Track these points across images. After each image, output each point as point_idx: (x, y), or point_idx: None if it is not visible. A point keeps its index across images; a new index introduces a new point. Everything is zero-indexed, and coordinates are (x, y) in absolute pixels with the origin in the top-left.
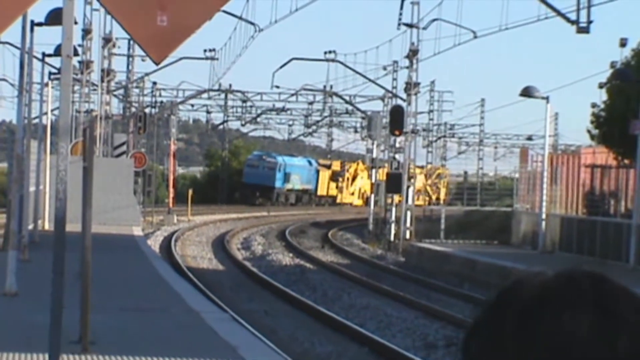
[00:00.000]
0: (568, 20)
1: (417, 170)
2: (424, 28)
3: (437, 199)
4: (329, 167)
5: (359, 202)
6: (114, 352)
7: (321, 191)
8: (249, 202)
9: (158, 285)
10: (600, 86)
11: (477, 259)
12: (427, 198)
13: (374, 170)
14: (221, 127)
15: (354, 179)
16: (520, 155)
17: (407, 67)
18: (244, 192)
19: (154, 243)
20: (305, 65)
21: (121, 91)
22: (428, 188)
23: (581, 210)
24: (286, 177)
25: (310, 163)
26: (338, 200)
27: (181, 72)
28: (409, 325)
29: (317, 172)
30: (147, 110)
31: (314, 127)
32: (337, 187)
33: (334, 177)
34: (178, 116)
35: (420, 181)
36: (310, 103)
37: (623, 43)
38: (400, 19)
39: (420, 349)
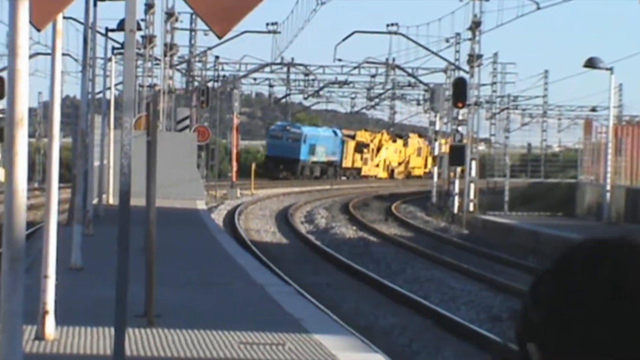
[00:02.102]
0: None
1: (443, 141)
2: (487, 0)
3: (462, 170)
4: (353, 137)
5: (383, 174)
6: (179, 325)
7: (346, 163)
8: (272, 175)
9: (222, 259)
10: None
11: (541, 231)
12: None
13: (437, 143)
14: (284, 100)
15: (378, 149)
16: (585, 127)
17: (470, 39)
18: (267, 165)
19: (218, 217)
20: (367, 38)
21: (184, 65)
22: None
23: None
24: (311, 149)
25: (335, 133)
26: (363, 173)
27: (243, 46)
28: (473, 298)
29: (343, 142)
30: (209, 84)
31: (377, 100)
32: (362, 158)
33: (359, 148)
34: (241, 90)
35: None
36: (373, 76)
37: None
38: None
39: (485, 321)
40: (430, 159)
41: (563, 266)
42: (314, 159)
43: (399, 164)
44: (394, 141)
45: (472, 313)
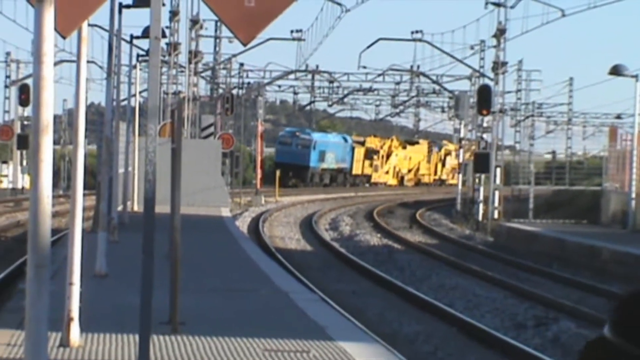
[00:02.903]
0: None
1: (452, 147)
2: (512, 7)
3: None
4: (363, 143)
5: (393, 181)
6: (203, 332)
7: (356, 170)
8: (281, 183)
9: (246, 266)
10: None
11: (566, 238)
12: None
13: (461, 150)
14: (308, 107)
15: (388, 156)
16: (609, 134)
17: (495, 47)
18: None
19: (242, 224)
20: (392, 46)
21: (208, 73)
22: None
23: None
24: (321, 156)
25: (345, 140)
26: (373, 180)
27: (268, 53)
28: (498, 305)
29: (353, 149)
30: (234, 91)
31: (401, 107)
32: (371, 165)
33: (368, 154)
34: (265, 97)
35: (455, 159)
36: (397, 83)
37: None
38: None
39: (510, 329)
40: (440, 166)
41: None
42: (324, 165)
43: (409, 170)
44: (404, 147)
45: (497, 321)
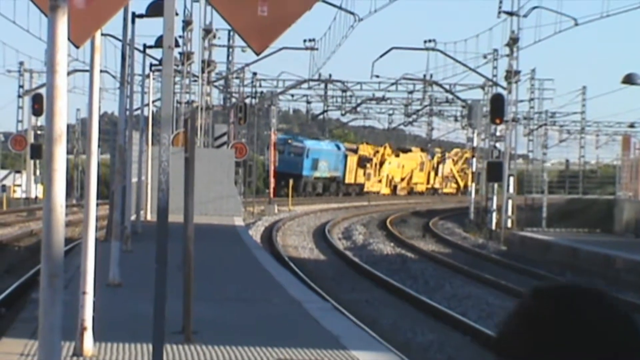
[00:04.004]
0: None
1: (439, 153)
2: (525, 16)
3: (465, 186)
4: (356, 151)
5: (386, 190)
6: (216, 341)
7: (349, 179)
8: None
9: (260, 275)
10: None
11: (580, 247)
12: (455, 185)
13: (474, 160)
14: (321, 117)
15: (381, 164)
16: (623, 143)
17: (508, 56)
18: (267, 182)
19: (255, 233)
20: (405, 55)
21: (221, 82)
22: (456, 174)
23: None
24: (314, 164)
25: (338, 147)
26: (366, 189)
27: (281, 63)
28: None
29: (345, 157)
30: (247, 100)
31: (414, 117)
32: (364, 174)
33: (361, 162)
34: (278, 106)
35: (448, 167)
36: (410, 92)
37: None
38: (500, 7)
39: None
40: (433, 174)
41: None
42: (317, 174)
43: (402, 179)
44: (397, 155)
45: None
